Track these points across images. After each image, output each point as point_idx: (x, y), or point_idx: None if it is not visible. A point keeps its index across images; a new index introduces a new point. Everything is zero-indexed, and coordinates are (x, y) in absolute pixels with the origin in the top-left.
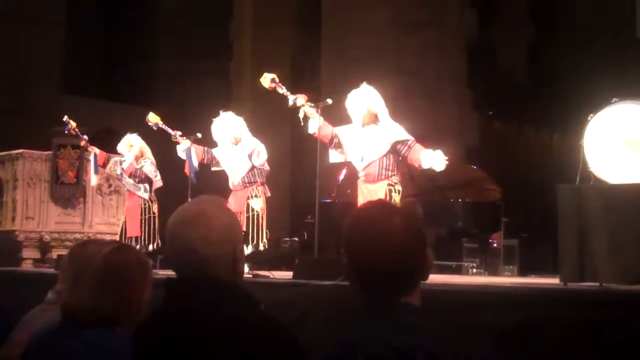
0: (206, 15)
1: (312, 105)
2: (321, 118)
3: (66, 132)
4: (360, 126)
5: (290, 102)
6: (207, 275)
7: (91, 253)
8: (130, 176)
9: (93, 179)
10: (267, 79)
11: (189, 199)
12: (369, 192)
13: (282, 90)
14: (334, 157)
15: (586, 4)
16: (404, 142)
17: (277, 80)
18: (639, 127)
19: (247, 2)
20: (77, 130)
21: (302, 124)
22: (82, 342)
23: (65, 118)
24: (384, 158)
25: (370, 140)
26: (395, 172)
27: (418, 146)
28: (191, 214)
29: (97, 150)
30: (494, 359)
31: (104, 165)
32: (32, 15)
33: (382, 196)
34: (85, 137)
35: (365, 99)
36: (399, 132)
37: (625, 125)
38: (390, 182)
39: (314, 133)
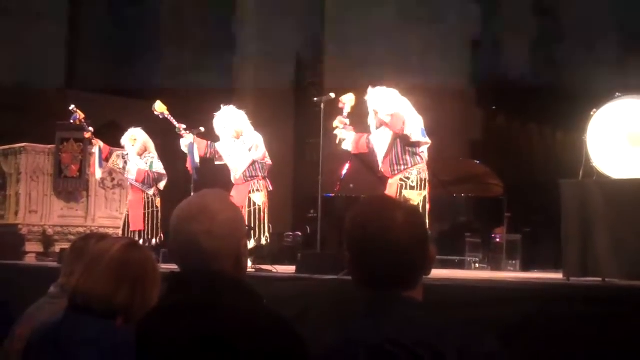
0: (210, 9)
1: (342, 125)
2: (353, 134)
3: (72, 121)
4: (375, 130)
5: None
6: (210, 269)
7: (105, 246)
8: (143, 183)
9: (98, 173)
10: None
11: (192, 194)
12: (388, 188)
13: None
14: None
15: None
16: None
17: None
18: None
19: None
20: (83, 121)
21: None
22: (85, 335)
23: (73, 107)
24: (391, 153)
25: (381, 139)
26: (409, 166)
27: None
28: (195, 208)
29: (101, 144)
30: (497, 354)
31: (107, 159)
32: (36, 10)
33: (394, 191)
34: (90, 129)
35: (371, 103)
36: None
37: (628, 121)
38: (402, 177)
39: (352, 151)
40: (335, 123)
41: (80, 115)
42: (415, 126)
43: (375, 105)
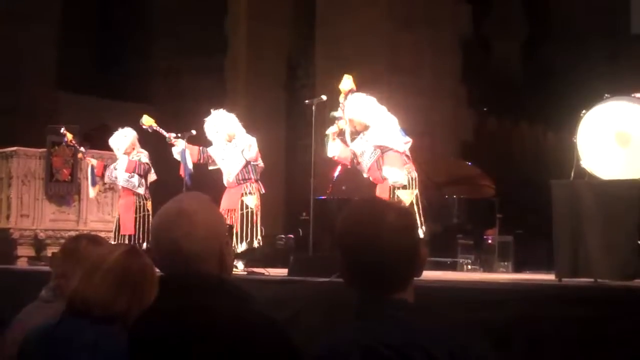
0: (201, 11)
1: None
2: (339, 141)
3: (63, 143)
4: (349, 139)
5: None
6: (196, 271)
7: (105, 252)
8: (133, 171)
9: (91, 192)
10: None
11: None
12: (380, 190)
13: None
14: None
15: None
16: (381, 149)
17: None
18: (630, 123)
19: None
20: (74, 142)
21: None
22: (83, 339)
23: (63, 130)
24: (378, 161)
25: (364, 146)
26: None
27: (387, 159)
28: (173, 213)
29: (94, 162)
30: (489, 355)
31: (103, 176)
32: (26, 13)
33: (386, 193)
34: (82, 149)
35: (348, 111)
36: (382, 136)
37: (617, 122)
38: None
39: (334, 156)
40: (337, 114)
41: (69, 137)
42: (390, 134)
43: (353, 114)
